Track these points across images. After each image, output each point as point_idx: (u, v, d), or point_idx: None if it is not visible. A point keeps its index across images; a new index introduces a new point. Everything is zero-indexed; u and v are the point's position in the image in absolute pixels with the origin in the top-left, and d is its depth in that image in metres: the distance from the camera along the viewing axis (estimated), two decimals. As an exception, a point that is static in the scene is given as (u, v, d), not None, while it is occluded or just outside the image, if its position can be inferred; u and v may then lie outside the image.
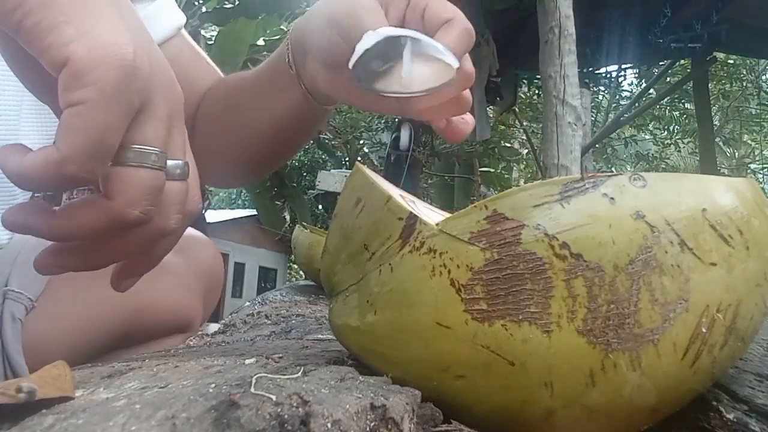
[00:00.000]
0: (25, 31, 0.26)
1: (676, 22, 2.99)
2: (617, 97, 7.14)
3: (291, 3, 4.68)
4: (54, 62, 0.26)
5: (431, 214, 0.42)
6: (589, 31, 2.76)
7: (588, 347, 0.26)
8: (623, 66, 3.94)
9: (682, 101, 6.91)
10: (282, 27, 4.93)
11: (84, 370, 0.33)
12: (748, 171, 8.31)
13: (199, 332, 0.90)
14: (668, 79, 5.06)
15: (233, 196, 13.35)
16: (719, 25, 2.88)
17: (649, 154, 8.00)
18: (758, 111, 7.52)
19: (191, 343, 0.76)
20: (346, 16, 0.38)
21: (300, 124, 0.52)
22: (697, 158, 5.22)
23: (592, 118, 5.40)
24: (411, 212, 0.29)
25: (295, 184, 6.98)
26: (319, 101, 0.49)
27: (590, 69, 3.65)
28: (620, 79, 5.37)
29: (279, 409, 0.20)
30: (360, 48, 0.33)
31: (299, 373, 0.26)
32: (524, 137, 5.90)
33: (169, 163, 0.30)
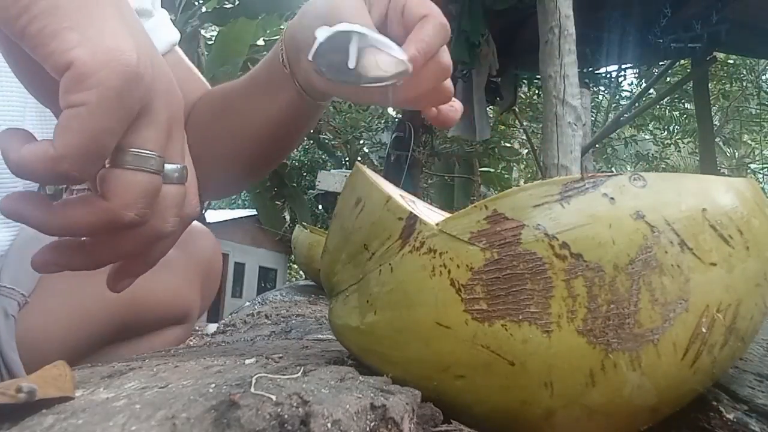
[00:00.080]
0: (29, 36, 0.27)
1: (676, 22, 2.98)
2: (617, 97, 7.14)
3: (291, 3, 4.68)
4: (57, 66, 0.26)
5: (431, 214, 0.42)
6: (589, 31, 2.75)
7: (588, 347, 0.26)
8: (623, 66, 3.93)
9: (682, 101, 6.91)
10: (282, 27, 4.94)
11: (84, 370, 0.33)
12: (748, 171, 8.31)
13: (199, 332, 0.90)
14: (668, 79, 5.06)
15: (233, 196, 13.36)
16: (719, 25, 2.88)
17: (649, 154, 8.00)
18: (758, 111, 7.52)
19: (191, 343, 0.76)
20: (332, 14, 0.39)
21: (295, 122, 0.53)
22: (697, 158, 5.22)
23: (592, 118, 5.40)
24: (411, 212, 0.29)
25: (295, 184, 6.99)
26: (314, 97, 0.50)
27: (590, 69, 3.64)
28: (620, 79, 5.36)
29: (279, 409, 0.20)
30: (317, 42, 0.36)
31: (299, 373, 0.26)
32: (524, 137, 5.90)
33: (168, 167, 0.31)
